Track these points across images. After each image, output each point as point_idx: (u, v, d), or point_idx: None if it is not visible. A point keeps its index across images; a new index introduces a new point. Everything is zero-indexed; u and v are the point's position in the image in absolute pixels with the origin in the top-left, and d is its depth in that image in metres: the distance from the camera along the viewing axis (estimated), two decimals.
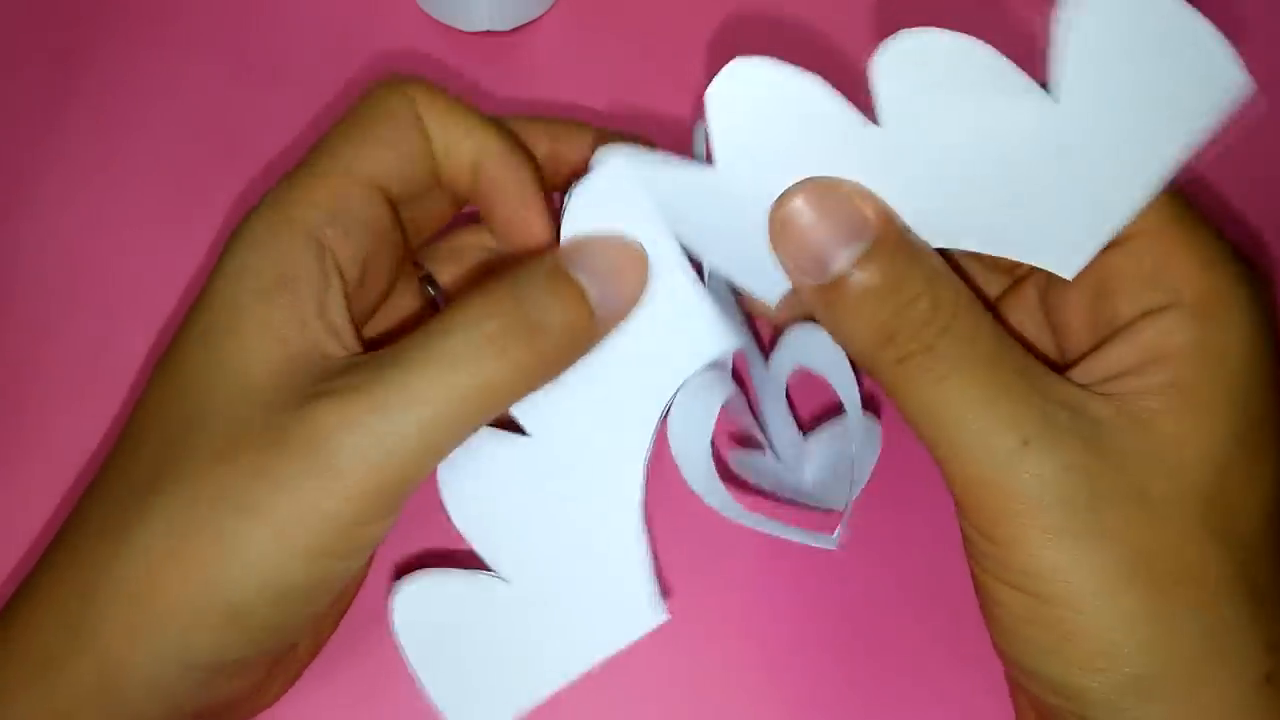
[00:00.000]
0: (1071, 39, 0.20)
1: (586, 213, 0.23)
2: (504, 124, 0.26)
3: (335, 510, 0.20)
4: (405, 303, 0.27)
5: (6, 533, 0.29)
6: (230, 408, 0.21)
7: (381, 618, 0.24)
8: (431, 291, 0.27)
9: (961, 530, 0.22)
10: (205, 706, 0.22)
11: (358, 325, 0.23)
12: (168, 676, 0.21)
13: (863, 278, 0.21)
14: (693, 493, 0.27)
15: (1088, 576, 0.20)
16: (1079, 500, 0.20)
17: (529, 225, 0.25)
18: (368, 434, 0.20)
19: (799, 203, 0.22)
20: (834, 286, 0.21)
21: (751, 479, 0.29)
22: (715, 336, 0.23)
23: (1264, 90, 0.20)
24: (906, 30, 0.20)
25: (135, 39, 0.36)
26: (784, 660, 0.28)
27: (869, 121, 0.21)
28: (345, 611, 0.27)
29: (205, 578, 0.20)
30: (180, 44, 0.36)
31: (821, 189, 0.22)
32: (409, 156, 0.24)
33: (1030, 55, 0.36)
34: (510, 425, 0.24)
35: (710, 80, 0.22)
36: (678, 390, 0.23)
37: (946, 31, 0.20)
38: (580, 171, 0.23)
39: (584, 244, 0.23)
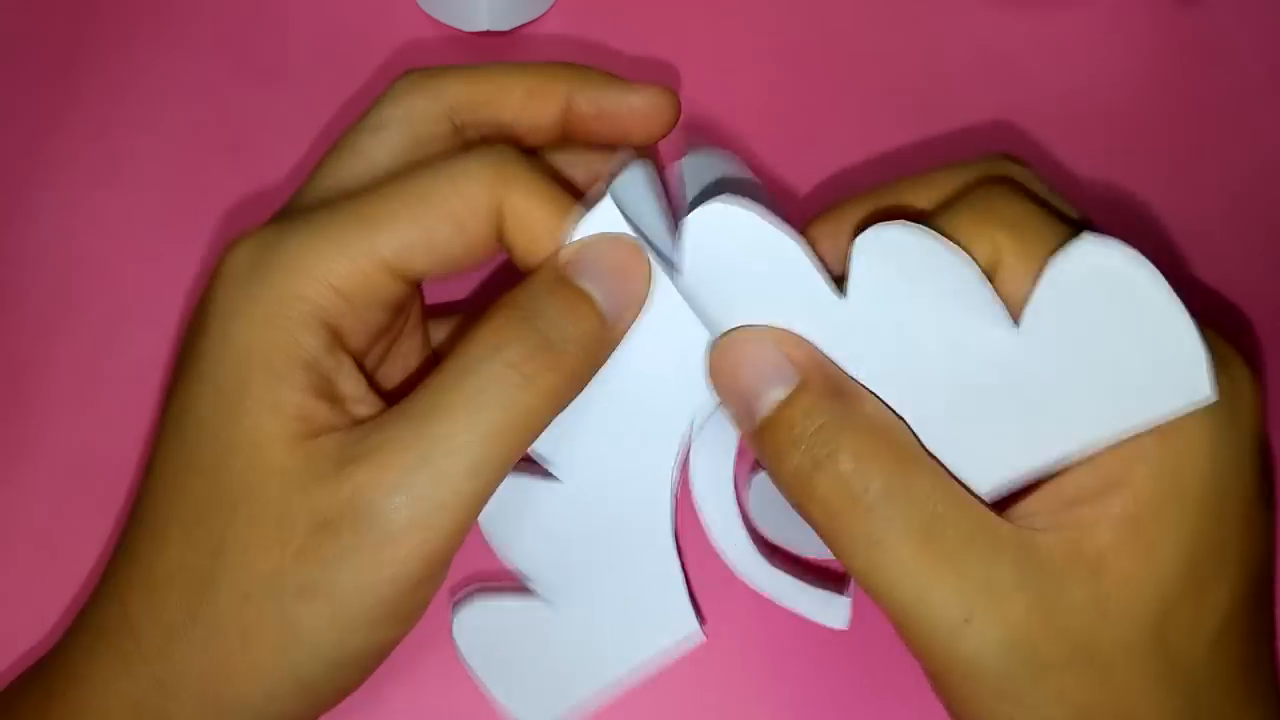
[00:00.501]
0: (1047, 283, 0.20)
1: (601, 225, 0.23)
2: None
3: (392, 576, 0.20)
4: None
5: (7, 533, 0.29)
6: (263, 489, 0.20)
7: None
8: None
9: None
10: None
11: (372, 379, 0.23)
12: None
13: (782, 421, 0.21)
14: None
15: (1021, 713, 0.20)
16: (1022, 671, 0.20)
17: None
18: (412, 494, 0.20)
19: (728, 344, 0.22)
20: (762, 429, 0.21)
21: (766, 508, 0.28)
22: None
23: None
24: (900, 224, 0.20)
25: (136, 39, 0.36)
26: (784, 660, 0.28)
27: (837, 293, 0.21)
28: None
29: (273, 664, 0.20)
30: (181, 44, 0.36)
31: (751, 334, 0.22)
32: (469, 243, 0.22)
33: (1002, 62, 0.36)
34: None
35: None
36: (697, 416, 0.24)
37: (937, 237, 0.20)
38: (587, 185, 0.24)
39: (583, 249, 0.22)
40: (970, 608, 0.20)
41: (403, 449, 0.20)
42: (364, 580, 0.20)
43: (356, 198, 0.22)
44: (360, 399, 0.22)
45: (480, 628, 0.25)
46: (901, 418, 0.21)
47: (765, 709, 0.28)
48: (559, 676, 0.25)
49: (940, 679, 0.22)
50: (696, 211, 0.21)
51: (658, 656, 0.24)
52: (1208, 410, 0.20)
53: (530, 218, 0.22)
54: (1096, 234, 0.19)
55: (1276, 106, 0.35)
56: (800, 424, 0.21)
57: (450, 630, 0.28)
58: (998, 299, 0.20)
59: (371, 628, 0.21)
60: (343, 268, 0.21)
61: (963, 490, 0.21)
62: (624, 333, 0.23)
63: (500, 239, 0.23)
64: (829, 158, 0.33)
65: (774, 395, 0.21)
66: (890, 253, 0.20)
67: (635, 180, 0.23)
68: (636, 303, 0.22)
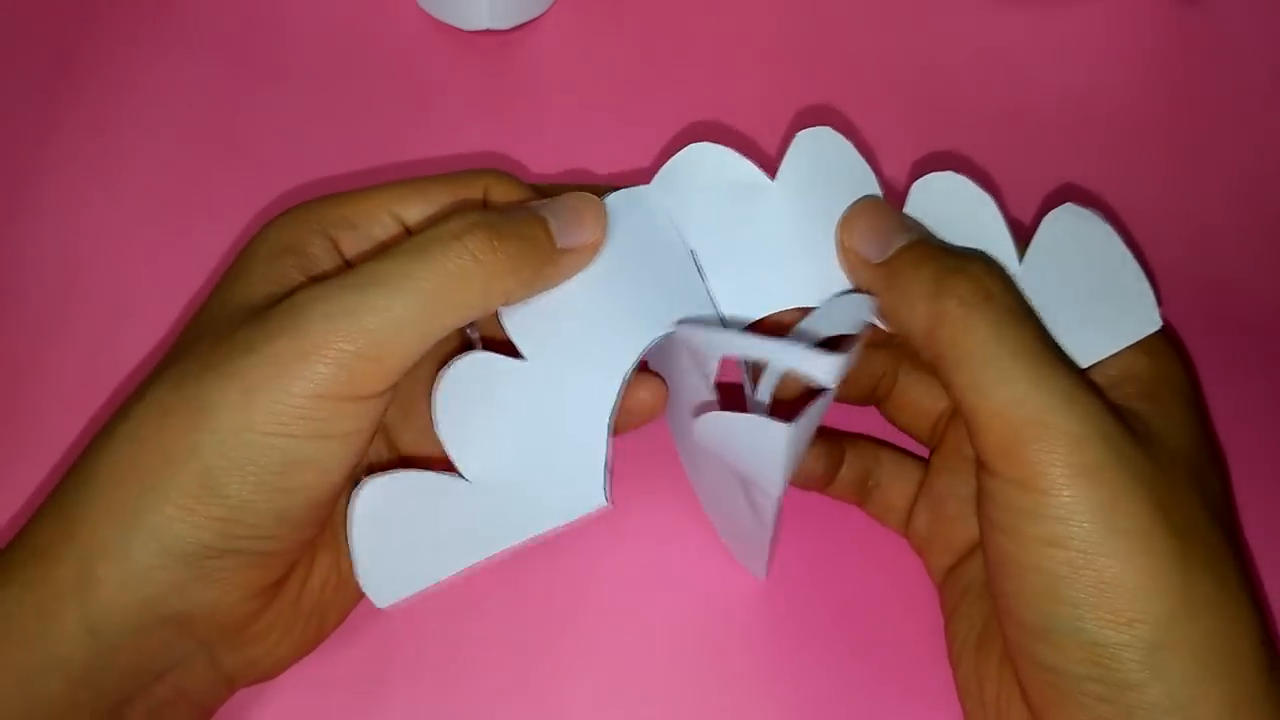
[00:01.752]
0: (1042, 232, 0.25)
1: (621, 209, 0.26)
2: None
3: (300, 372, 0.21)
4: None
5: (6, 533, 0.29)
6: (228, 318, 0.23)
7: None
8: (470, 334, 0.28)
9: (988, 502, 0.23)
10: (183, 616, 0.22)
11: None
12: (141, 561, 0.21)
13: (919, 246, 0.24)
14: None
15: (1123, 517, 0.21)
16: (1111, 439, 0.21)
17: None
18: (338, 305, 0.22)
19: (868, 205, 0.25)
20: (893, 259, 0.24)
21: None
22: (702, 300, 0.26)
23: None
24: (948, 174, 0.25)
25: (136, 39, 0.36)
26: (783, 660, 0.28)
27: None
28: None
29: (178, 446, 0.21)
30: (181, 44, 0.36)
31: (879, 203, 0.26)
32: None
33: (1003, 62, 0.36)
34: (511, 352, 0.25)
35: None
36: (663, 334, 0.25)
37: (974, 185, 0.25)
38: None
39: (551, 199, 0.25)
40: (1064, 379, 0.22)
41: (341, 277, 0.22)
42: (276, 370, 0.21)
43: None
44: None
45: (379, 498, 0.24)
46: None
47: (766, 709, 0.28)
48: (432, 549, 0.25)
49: (1019, 455, 0.21)
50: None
51: (555, 515, 0.25)
52: (1176, 364, 0.24)
53: (514, 196, 0.26)
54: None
55: (1277, 106, 0.35)
56: (928, 251, 0.24)
57: (448, 633, 0.28)
58: (1013, 243, 0.25)
59: (276, 428, 0.21)
60: (354, 203, 0.25)
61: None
62: (573, 266, 0.25)
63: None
64: None
65: (904, 236, 0.24)
66: (937, 195, 0.26)
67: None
68: (589, 245, 0.25)
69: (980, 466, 0.23)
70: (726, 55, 0.36)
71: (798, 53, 0.36)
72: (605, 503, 0.25)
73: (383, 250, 0.23)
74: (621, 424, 0.26)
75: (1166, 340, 0.24)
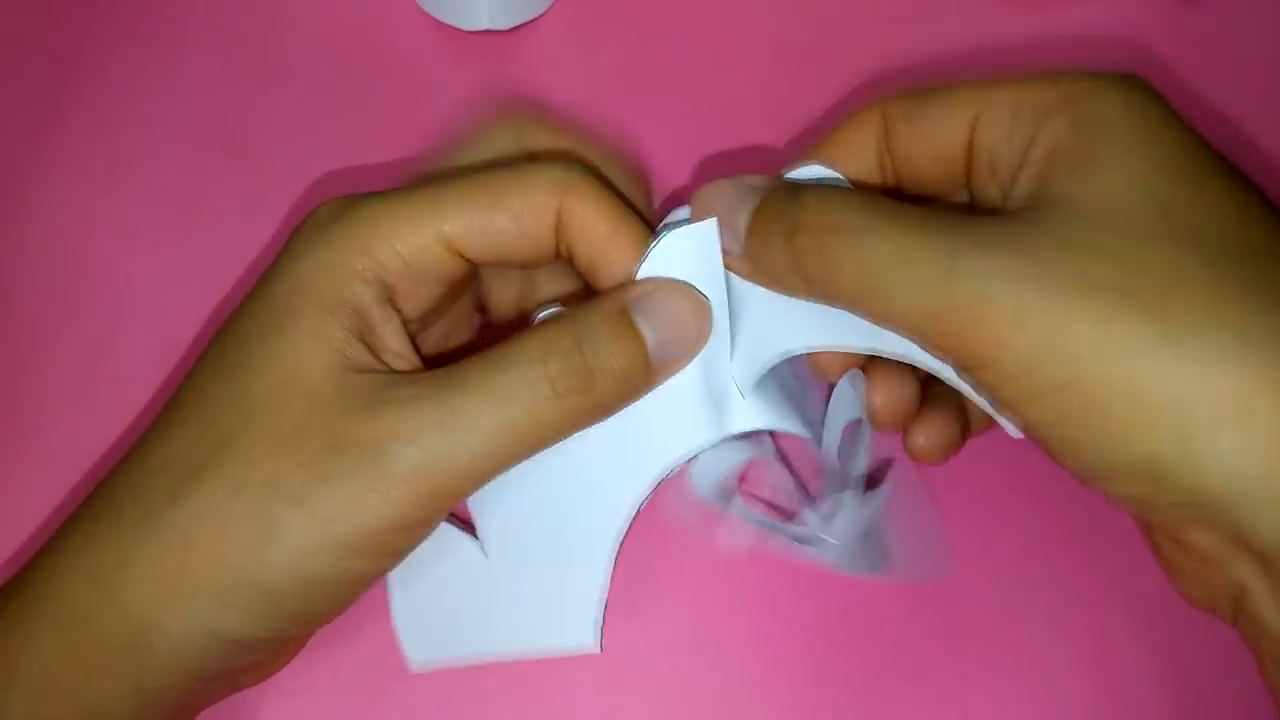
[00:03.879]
0: None
1: (672, 255, 0.24)
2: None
3: (378, 512, 0.21)
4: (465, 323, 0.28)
5: (6, 533, 0.29)
6: (288, 404, 0.22)
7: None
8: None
9: (982, 396, 0.22)
10: (226, 674, 0.23)
11: (415, 345, 0.24)
12: (194, 645, 0.21)
13: (757, 218, 0.23)
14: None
15: (1080, 334, 0.19)
16: (1025, 277, 0.19)
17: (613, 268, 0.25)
18: (424, 448, 0.21)
19: (699, 195, 0.24)
20: (746, 245, 0.23)
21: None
22: (737, 413, 0.25)
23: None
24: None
25: (136, 39, 0.36)
26: (783, 660, 0.28)
27: None
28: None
29: (242, 561, 0.21)
30: (181, 43, 0.36)
31: (715, 183, 0.24)
32: (527, 240, 0.24)
33: (1003, 62, 0.36)
34: None
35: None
36: (691, 454, 0.25)
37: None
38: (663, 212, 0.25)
39: (652, 290, 0.23)
40: (953, 248, 0.20)
41: (428, 409, 0.21)
42: (351, 505, 0.21)
43: (431, 182, 0.24)
44: (400, 354, 0.23)
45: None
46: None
47: (766, 709, 0.28)
48: (457, 622, 0.25)
49: (967, 347, 0.20)
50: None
51: (551, 645, 0.25)
52: (1104, 81, 0.22)
53: (590, 225, 0.24)
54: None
55: (1277, 106, 0.35)
56: (766, 217, 0.23)
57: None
58: None
59: (344, 555, 0.21)
60: (406, 234, 0.23)
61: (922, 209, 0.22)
62: (665, 379, 0.24)
63: (561, 243, 0.24)
64: None
65: (746, 209, 0.23)
66: None
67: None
68: (686, 357, 0.24)
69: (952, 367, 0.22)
70: (726, 55, 0.36)
71: (798, 53, 0.36)
72: (597, 649, 0.25)
73: (466, 364, 0.22)
74: None
75: (1097, 77, 0.22)
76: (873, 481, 0.27)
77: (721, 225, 0.24)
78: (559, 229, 0.24)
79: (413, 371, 0.23)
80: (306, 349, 0.22)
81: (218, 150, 0.34)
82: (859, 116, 0.25)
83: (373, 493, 0.21)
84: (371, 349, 0.23)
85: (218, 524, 0.21)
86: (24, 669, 0.21)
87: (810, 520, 0.27)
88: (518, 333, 0.23)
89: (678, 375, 0.24)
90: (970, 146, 0.23)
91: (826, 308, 0.23)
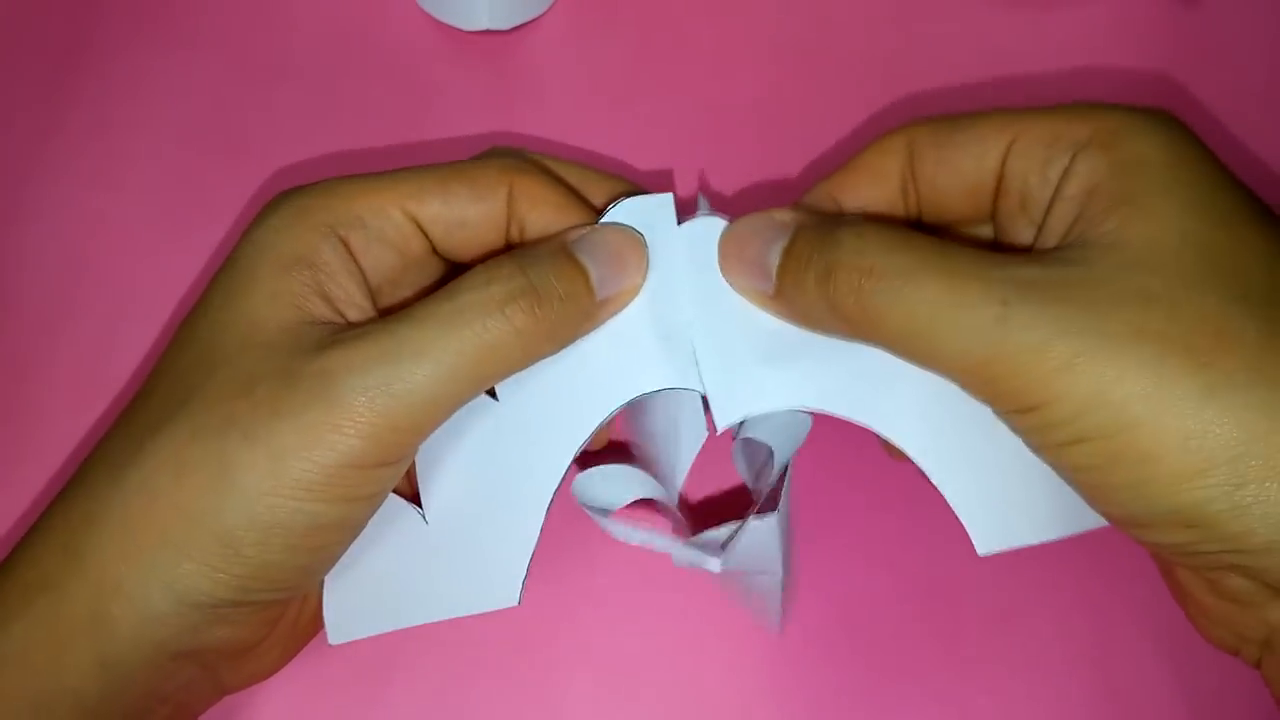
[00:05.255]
0: None
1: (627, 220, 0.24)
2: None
3: (333, 444, 0.21)
4: None
5: (6, 533, 0.29)
6: (242, 354, 0.22)
7: None
8: None
9: (1027, 441, 0.22)
10: (195, 651, 0.22)
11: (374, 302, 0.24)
12: (158, 608, 0.21)
13: (789, 258, 0.23)
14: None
15: (1131, 384, 0.19)
16: (1077, 327, 0.20)
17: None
18: (374, 378, 0.21)
19: (728, 236, 0.24)
20: (779, 285, 0.23)
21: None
22: (682, 371, 0.24)
23: None
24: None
25: (136, 39, 0.36)
26: (783, 660, 0.28)
27: None
28: None
29: (199, 506, 0.21)
30: (181, 44, 0.36)
31: (744, 220, 0.24)
32: (482, 209, 0.24)
33: (1003, 61, 0.36)
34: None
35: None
36: (625, 402, 0.25)
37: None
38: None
39: (591, 231, 0.24)
40: (1003, 296, 0.20)
41: (376, 342, 0.21)
42: (304, 436, 0.21)
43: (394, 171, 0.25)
44: (360, 307, 0.24)
45: None
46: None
47: (741, 692, 0.28)
48: (391, 586, 0.25)
49: (1011, 390, 0.21)
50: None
51: (474, 603, 0.25)
52: (1139, 118, 0.22)
53: (542, 197, 0.24)
54: None
55: (1277, 106, 0.35)
56: (799, 259, 0.23)
57: (448, 633, 0.28)
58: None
59: (301, 495, 0.21)
60: (365, 198, 0.24)
61: (966, 247, 0.22)
62: (608, 315, 0.24)
63: (513, 223, 0.25)
64: (829, 156, 0.34)
65: (778, 247, 0.23)
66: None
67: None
68: (627, 291, 0.24)
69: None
70: (726, 55, 0.36)
71: (798, 53, 0.36)
72: (516, 602, 0.25)
73: (416, 303, 0.22)
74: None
75: (1131, 113, 0.22)
76: (768, 505, 0.26)
77: (752, 265, 0.24)
78: (511, 206, 0.25)
79: (367, 321, 0.23)
80: (264, 308, 0.22)
81: (218, 150, 0.34)
82: (884, 142, 0.25)
83: (325, 424, 0.21)
84: (331, 301, 0.23)
85: (175, 470, 0.21)
86: None
87: (700, 541, 0.27)
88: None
89: (623, 325, 0.24)
90: (1000, 177, 0.24)
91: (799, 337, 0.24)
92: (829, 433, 0.31)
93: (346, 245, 0.24)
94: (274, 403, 0.21)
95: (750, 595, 0.28)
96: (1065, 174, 0.22)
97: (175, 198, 0.33)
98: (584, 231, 0.24)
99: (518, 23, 0.36)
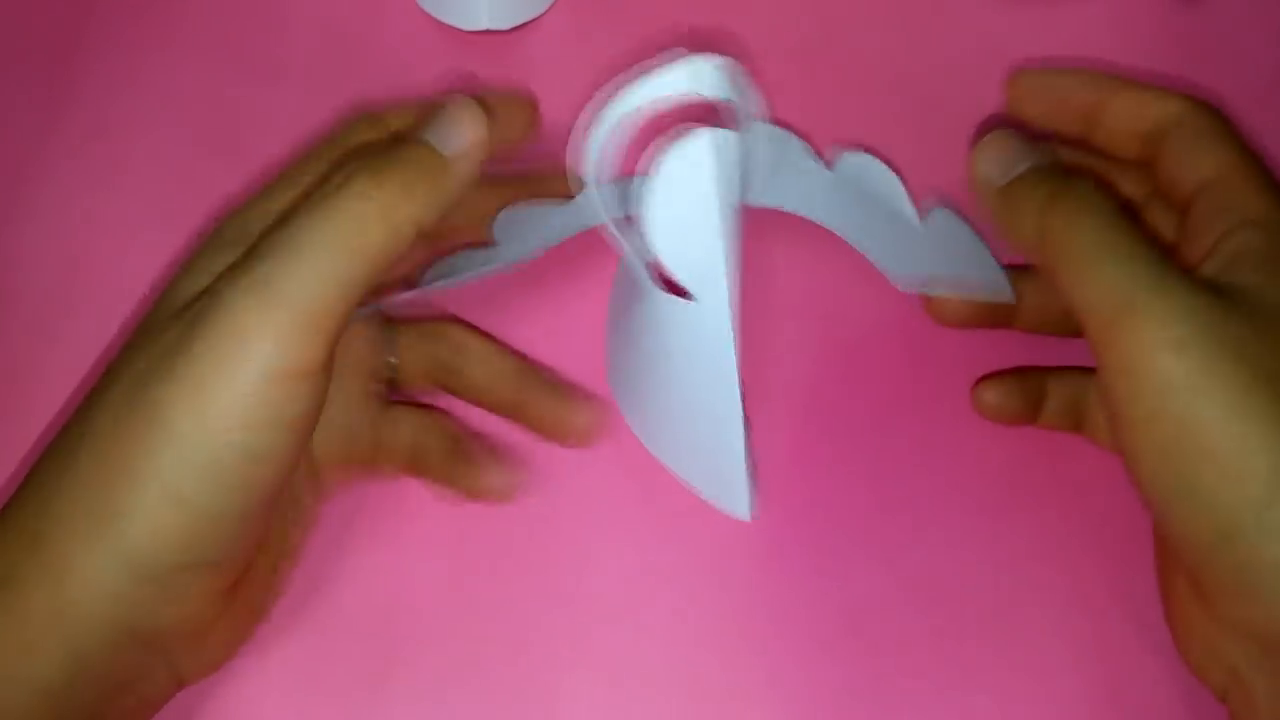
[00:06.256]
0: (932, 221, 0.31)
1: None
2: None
3: (241, 359, 0.21)
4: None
5: None
6: (171, 316, 0.23)
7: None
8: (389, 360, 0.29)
9: (1104, 399, 0.25)
10: (152, 634, 0.23)
11: None
12: (112, 585, 0.22)
13: (1034, 171, 0.27)
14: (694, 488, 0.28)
15: (1216, 386, 0.22)
16: (1197, 312, 0.22)
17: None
18: (253, 276, 0.22)
19: (998, 134, 0.28)
20: (1013, 182, 0.27)
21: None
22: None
23: None
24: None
25: (135, 39, 0.36)
26: (783, 660, 0.28)
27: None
28: (289, 572, 0.27)
29: (137, 457, 0.21)
30: (181, 44, 0.36)
31: (1007, 133, 0.28)
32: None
33: (1003, 61, 0.36)
34: None
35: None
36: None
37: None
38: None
39: (424, 114, 0.26)
40: (1155, 282, 0.23)
41: (252, 253, 0.23)
42: (219, 361, 0.21)
43: (307, 221, 0.24)
44: None
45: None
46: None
47: (741, 692, 0.28)
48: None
49: (1122, 316, 0.23)
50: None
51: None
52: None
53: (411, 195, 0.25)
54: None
55: (1277, 106, 0.35)
56: (1042, 175, 0.27)
57: (448, 633, 0.28)
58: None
59: (229, 424, 0.21)
60: (280, 195, 0.26)
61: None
62: (465, 167, 0.25)
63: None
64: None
65: (1026, 162, 0.27)
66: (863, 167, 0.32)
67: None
68: (472, 142, 0.25)
69: (1097, 368, 0.24)
70: (726, 54, 0.36)
71: (798, 53, 0.36)
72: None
73: (280, 220, 0.24)
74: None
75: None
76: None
77: (1005, 160, 0.27)
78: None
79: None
80: (196, 274, 0.24)
81: (218, 150, 0.34)
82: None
83: (230, 339, 0.21)
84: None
85: (114, 426, 0.22)
86: None
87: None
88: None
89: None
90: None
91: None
92: (830, 433, 0.31)
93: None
94: (180, 339, 0.22)
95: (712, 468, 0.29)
96: (1225, 235, 0.25)
97: (175, 198, 0.33)
98: (420, 121, 0.25)
99: (518, 23, 0.36)
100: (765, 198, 0.31)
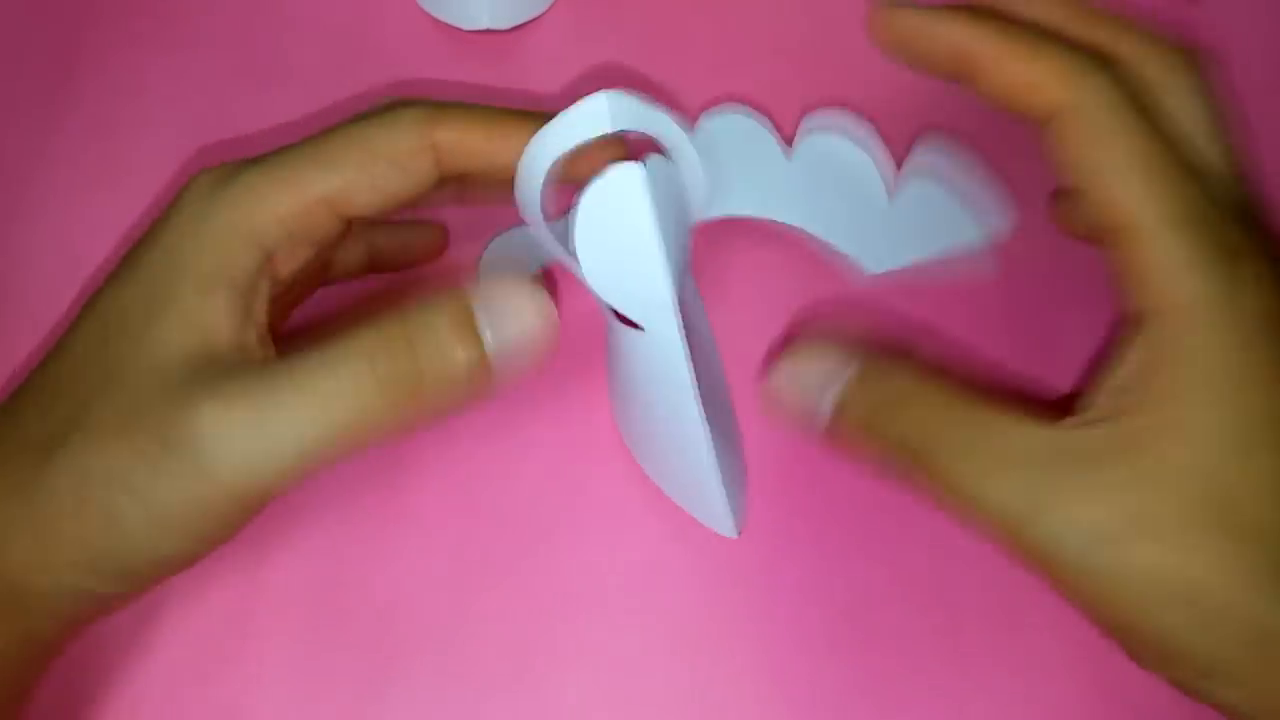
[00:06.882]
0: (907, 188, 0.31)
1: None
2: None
3: (201, 505, 0.22)
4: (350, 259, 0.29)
5: None
6: (138, 383, 0.22)
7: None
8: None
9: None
10: (101, 611, 0.24)
11: (276, 321, 0.25)
12: (67, 602, 0.23)
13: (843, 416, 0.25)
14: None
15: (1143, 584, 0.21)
16: (1092, 546, 0.21)
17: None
18: (240, 445, 0.22)
19: (778, 371, 0.26)
20: (831, 427, 0.25)
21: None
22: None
23: None
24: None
25: (136, 38, 0.36)
26: (782, 660, 0.28)
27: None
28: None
29: (97, 543, 0.22)
30: (181, 43, 0.36)
31: (796, 355, 0.26)
32: (410, 179, 0.25)
33: None
34: None
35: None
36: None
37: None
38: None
39: (495, 294, 0.23)
40: (1033, 501, 0.22)
41: (251, 405, 0.22)
42: (178, 498, 0.22)
43: (307, 141, 0.24)
44: (257, 325, 0.24)
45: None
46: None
47: (740, 692, 0.28)
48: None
49: (1028, 562, 0.23)
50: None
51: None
52: (1220, 295, 0.21)
53: (467, 142, 0.25)
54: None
55: (1277, 106, 0.35)
56: (856, 410, 0.24)
57: (448, 633, 0.28)
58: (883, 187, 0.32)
59: (183, 538, 0.22)
60: (289, 202, 0.24)
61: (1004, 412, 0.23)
62: (506, 382, 0.23)
63: (448, 172, 0.25)
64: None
65: (830, 397, 0.25)
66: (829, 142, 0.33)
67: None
68: (527, 356, 0.23)
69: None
70: (726, 55, 0.36)
71: (798, 53, 0.36)
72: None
73: (299, 354, 0.22)
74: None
75: (1220, 284, 0.22)
76: None
77: (806, 403, 0.26)
78: (441, 160, 0.25)
79: (261, 356, 0.23)
80: (173, 333, 0.22)
81: (218, 150, 0.34)
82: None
83: (194, 489, 0.22)
84: (239, 324, 0.23)
85: (74, 508, 0.22)
86: None
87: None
88: (353, 324, 0.23)
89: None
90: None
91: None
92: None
93: (270, 258, 0.24)
94: (152, 459, 0.22)
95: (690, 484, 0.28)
96: (1141, 324, 0.22)
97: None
98: (489, 292, 0.23)
99: (518, 22, 0.36)
100: (727, 207, 0.31)
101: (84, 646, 0.26)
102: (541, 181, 0.24)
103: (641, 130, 0.26)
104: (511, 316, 0.23)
